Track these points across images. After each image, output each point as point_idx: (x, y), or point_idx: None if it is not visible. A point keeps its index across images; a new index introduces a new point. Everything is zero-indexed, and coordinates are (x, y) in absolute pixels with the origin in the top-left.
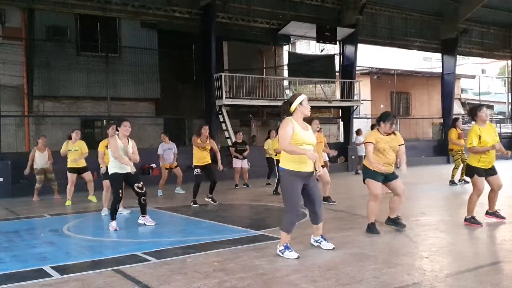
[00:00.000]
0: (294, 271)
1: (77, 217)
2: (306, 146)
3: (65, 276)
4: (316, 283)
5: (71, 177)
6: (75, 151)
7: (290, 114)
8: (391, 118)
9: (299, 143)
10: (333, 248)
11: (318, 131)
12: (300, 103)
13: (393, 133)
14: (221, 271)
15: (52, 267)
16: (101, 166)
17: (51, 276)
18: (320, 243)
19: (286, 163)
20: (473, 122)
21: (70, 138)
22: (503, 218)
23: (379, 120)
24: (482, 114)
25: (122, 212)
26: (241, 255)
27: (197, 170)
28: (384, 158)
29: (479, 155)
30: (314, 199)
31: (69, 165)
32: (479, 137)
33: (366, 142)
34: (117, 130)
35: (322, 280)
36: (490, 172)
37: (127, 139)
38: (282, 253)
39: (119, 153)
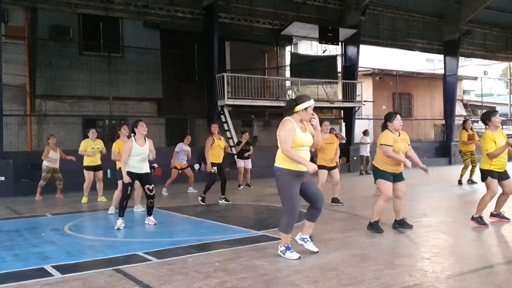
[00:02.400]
0: (296, 272)
1: (79, 216)
2: (304, 148)
3: (66, 275)
4: (318, 283)
5: (89, 175)
6: (97, 148)
7: (292, 113)
8: (395, 115)
9: (298, 145)
10: (317, 252)
11: (330, 132)
12: (305, 109)
13: (403, 133)
14: (222, 271)
15: (53, 266)
16: (118, 167)
17: (52, 275)
18: (306, 242)
19: (284, 162)
20: (486, 127)
21: (87, 137)
22: (507, 219)
23: (386, 121)
24: (496, 119)
25: (139, 209)
26: (243, 256)
27: (214, 169)
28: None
29: (491, 160)
30: (316, 195)
31: (86, 163)
32: (494, 142)
33: (385, 145)
34: (133, 132)
35: (324, 281)
36: (502, 176)
37: (144, 139)
38: (283, 254)
39: (126, 158)
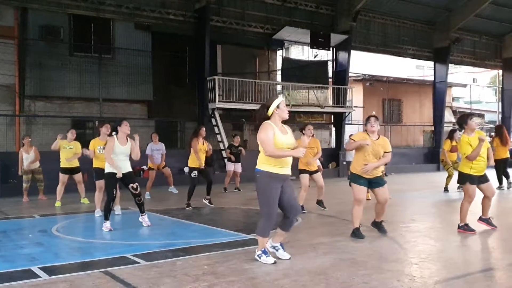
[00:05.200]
0: (284, 276)
1: (66, 218)
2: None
3: (53, 277)
4: (306, 287)
5: (63, 177)
6: (70, 149)
7: (268, 118)
8: (368, 118)
9: (279, 147)
10: (289, 258)
11: (312, 137)
12: (277, 106)
13: (382, 139)
14: (211, 274)
15: (41, 268)
16: (94, 166)
17: (39, 276)
18: (277, 250)
19: (264, 165)
20: (462, 131)
21: (65, 137)
22: (494, 226)
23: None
24: (472, 123)
25: (116, 211)
26: (231, 259)
27: (194, 173)
28: (364, 161)
29: (471, 162)
30: (289, 205)
31: (62, 165)
32: (470, 145)
33: (350, 139)
34: (114, 130)
35: (312, 285)
36: (482, 180)
37: (126, 139)
38: (259, 258)
39: (111, 156)
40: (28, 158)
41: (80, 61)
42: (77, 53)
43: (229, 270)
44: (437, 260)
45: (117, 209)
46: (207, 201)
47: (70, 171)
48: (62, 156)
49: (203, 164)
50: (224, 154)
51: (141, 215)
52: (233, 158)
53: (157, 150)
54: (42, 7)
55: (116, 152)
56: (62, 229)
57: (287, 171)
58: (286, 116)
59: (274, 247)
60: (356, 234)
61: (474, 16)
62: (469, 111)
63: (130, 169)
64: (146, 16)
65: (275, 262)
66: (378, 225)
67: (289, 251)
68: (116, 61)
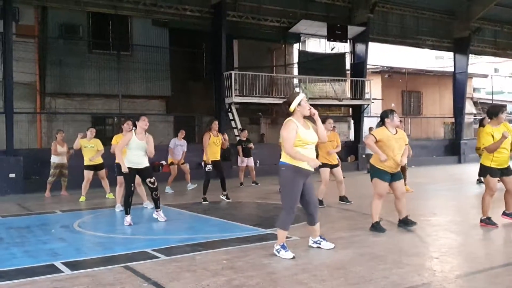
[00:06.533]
0: (303, 270)
1: (88, 213)
2: (309, 146)
3: (75, 272)
4: (325, 282)
5: (88, 174)
6: (91, 148)
7: (290, 114)
8: (393, 112)
9: (303, 143)
10: (334, 247)
11: (332, 130)
12: (299, 104)
13: (400, 132)
14: (229, 269)
15: (63, 263)
16: (116, 161)
17: (62, 271)
18: (320, 243)
19: (289, 158)
20: (488, 120)
21: (85, 136)
22: None
23: (383, 118)
24: (503, 116)
25: (148, 206)
26: (250, 254)
27: (209, 167)
28: (392, 156)
29: (492, 154)
30: (310, 200)
31: (86, 163)
32: (492, 136)
33: (371, 134)
34: (135, 126)
35: (331, 280)
36: (505, 172)
37: (145, 133)
38: (278, 253)
39: (121, 149)
40: (62, 150)
41: (99, 58)
42: (96, 50)
43: (248, 265)
44: (458, 254)
45: (147, 204)
46: (224, 196)
47: (94, 168)
48: (85, 155)
49: (218, 157)
50: (238, 149)
51: (156, 211)
52: (250, 147)
53: (180, 146)
54: (61, 6)
55: (132, 147)
56: (83, 225)
57: (309, 166)
58: (307, 113)
59: (316, 242)
60: (377, 228)
61: (495, 4)
62: (490, 102)
63: (147, 164)
64: (163, 12)
65: (294, 257)
66: (405, 221)
67: (307, 245)
68: (135, 57)
